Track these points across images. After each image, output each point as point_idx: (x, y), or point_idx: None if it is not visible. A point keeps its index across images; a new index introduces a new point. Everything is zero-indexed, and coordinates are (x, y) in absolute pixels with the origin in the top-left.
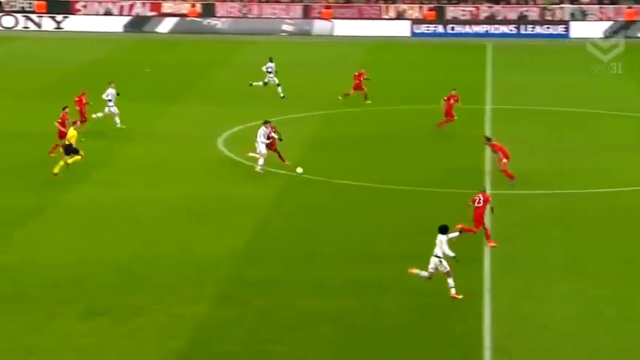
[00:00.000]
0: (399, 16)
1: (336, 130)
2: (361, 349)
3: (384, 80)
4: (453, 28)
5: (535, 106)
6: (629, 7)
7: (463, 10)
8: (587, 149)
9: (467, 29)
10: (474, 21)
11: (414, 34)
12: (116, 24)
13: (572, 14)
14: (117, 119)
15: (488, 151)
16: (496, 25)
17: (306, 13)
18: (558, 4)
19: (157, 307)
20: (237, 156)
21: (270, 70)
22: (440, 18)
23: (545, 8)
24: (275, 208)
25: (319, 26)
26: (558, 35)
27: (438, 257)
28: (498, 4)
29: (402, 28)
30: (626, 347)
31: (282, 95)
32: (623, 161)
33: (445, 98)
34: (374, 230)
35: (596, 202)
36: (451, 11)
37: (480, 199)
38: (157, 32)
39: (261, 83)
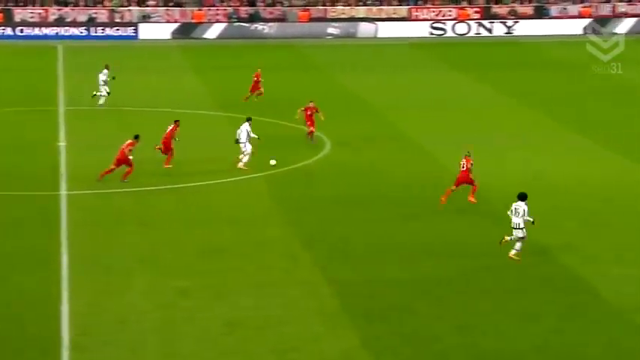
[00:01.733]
0: None
1: None
2: None
3: None
4: (22, 31)
5: (108, 106)
6: (199, 10)
7: (32, 13)
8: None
9: (37, 31)
10: (44, 23)
11: None
12: None
13: (143, 16)
14: None
15: (62, 152)
16: (66, 27)
17: None
18: (127, 6)
19: None
20: None
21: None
22: (8, 20)
23: (113, 10)
24: None
25: None
26: (128, 37)
27: (521, 228)
28: (67, 6)
29: None
30: (202, 335)
31: (100, 103)
32: (194, 157)
33: (302, 109)
34: None
35: (169, 198)
36: (19, 13)
37: (463, 164)
38: None
39: (103, 93)
